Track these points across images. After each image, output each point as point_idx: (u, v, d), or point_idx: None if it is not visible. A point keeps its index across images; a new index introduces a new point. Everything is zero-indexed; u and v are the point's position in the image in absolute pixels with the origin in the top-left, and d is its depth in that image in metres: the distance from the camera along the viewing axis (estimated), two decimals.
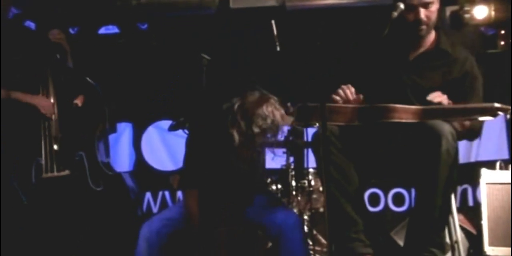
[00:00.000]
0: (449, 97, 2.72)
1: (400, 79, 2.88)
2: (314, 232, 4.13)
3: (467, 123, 2.75)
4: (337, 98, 2.74)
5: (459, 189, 4.88)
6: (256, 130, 3.01)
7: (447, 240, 2.81)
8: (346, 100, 2.74)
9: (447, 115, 2.63)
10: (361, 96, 2.74)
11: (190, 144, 3.20)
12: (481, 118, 2.62)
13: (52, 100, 3.45)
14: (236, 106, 3.05)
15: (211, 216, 3.06)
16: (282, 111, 3.08)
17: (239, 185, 3.14)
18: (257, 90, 3.19)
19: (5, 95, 3.38)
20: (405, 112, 2.62)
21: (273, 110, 3.03)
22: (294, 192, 4.10)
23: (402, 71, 2.89)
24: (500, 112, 2.56)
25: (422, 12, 2.77)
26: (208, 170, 3.10)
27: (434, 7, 2.81)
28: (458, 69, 2.87)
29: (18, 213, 3.34)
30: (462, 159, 4.60)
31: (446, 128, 2.60)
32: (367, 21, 4.51)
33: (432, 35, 2.91)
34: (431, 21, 2.82)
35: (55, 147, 3.39)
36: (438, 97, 2.66)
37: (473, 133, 2.89)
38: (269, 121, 3.02)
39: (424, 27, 2.82)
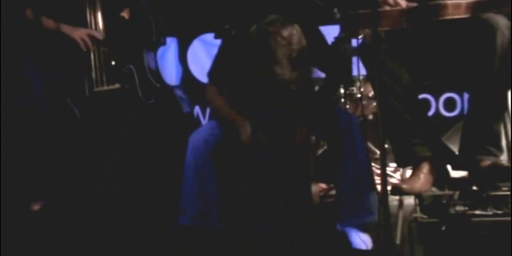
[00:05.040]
0: None
1: None
2: None
3: None
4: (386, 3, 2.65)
5: None
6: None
7: (503, 140, 2.78)
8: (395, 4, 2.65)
9: (503, 4, 2.51)
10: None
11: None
12: None
13: (100, 25, 3.44)
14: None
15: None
16: None
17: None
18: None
19: (55, 27, 3.43)
20: (456, 8, 2.51)
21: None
22: (342, 100, 4.09)
23: None
24: None
25: None
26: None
27: None
28: None
29: (72, 126, 3.44)
30: None
31: (501, 21, 2.50)
32: None
33: None
34: None
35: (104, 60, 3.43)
36: None
37: None
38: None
39: None
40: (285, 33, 2.95)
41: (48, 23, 3.42)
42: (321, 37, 3.21)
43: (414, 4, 2.62)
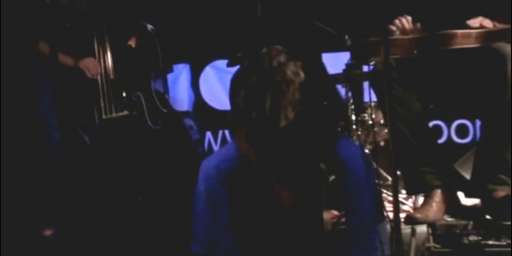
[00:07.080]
0: None
1: None
2: (375, 165, 4.11)
3: None
4: (393, 28, 2.66)
5: None
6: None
7: None
8: (403, 30, 2.67)
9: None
10: (419, 25, 2.66)
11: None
12: None
13: (108, 53, 3.48)
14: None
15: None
16: None
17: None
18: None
19: (73, 64, 3.48)
20: (466, 37, 2.51)
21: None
22: (354, 126, 4.07)
23: None
24: None
25: None
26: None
27: None
28: None
29: (83, 154, 3.46)
30: None
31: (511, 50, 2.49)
32: None
33: None
34: None
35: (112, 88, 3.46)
36: (478, 22, 2.53)
37: None
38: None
39: None
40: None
41: (65, 60, 3.47)
42: (322, 68, 3.21)
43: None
